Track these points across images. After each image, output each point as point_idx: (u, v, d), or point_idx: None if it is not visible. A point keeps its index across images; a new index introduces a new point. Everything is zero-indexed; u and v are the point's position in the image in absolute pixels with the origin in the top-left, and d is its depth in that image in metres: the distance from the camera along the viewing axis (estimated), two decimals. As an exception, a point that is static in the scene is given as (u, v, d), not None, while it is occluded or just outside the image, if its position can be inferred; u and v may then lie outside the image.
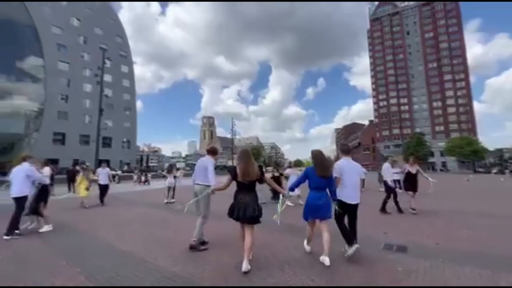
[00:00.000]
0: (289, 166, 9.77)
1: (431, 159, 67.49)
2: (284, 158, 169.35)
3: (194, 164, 4.43)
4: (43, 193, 5.34)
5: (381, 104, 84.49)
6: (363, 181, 13.29)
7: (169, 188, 9.41)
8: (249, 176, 3.26)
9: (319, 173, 3.39)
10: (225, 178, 3.52)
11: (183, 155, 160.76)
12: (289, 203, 7.76)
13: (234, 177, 3.33)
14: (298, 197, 8.20)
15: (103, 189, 8.83)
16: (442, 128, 74.15)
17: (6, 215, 4.68)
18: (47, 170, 5.81)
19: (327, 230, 3.34)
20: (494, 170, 45.68)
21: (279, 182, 9.01)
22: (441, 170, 65.70)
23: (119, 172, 27.76)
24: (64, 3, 44.50)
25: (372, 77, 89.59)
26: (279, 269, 3.10)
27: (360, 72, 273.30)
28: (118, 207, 8.32)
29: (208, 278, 2.86)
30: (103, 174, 8.90)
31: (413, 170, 6.92)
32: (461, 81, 73.05)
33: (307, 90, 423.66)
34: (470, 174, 39.78)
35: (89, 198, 8.30)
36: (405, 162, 7.67)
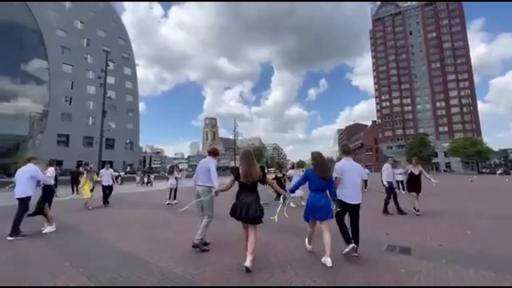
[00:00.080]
0: (292, 167, 9.78)
1: (434, 160, 66.99)
2: (287, 159, 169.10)
3: (197, 165, 4.45)
4: (47, 193, 5.38)
5: (383, 104, 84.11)
6: (365, 182, 13.23)
7: (170, 189, 9.44)
8: (251, 177, 3.30)
9: (319, 175, 3.42)
10: (227, 179, 3.54)
11: (186, 156, 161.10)
12: (292, 204, 7.79)
13: (237, 177, 3.38)
14: (300, 199, 8.19)
15: (107, 190, 8.87)
16: (445, 128, 73.60)
17: (11, 215, 4.72)
18: (50, 171, 5.84)
19: (327, 230, 3.35)
20: (499, 171, 45.14)
21: (281, 183, 9.04)
22: (445, 170, 65.16)
23: (122, 173, 27.91)
24: (68, 6, 45.02)
25: (374, 77, 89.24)
26: (281, 270, 3.09)
27: (363, 72, 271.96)
28: (121, 208, 8.37)
29: (209, 279, 2.86)
30: (106, 175, 8.95)
31: (416, 171, 6.86)
32: (465, 81, 72.51)
33: (309, 91, 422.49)
34: (475, 175, 39.38)
35: (92, 200, 8.35)
36: (408, 163, 7.63)
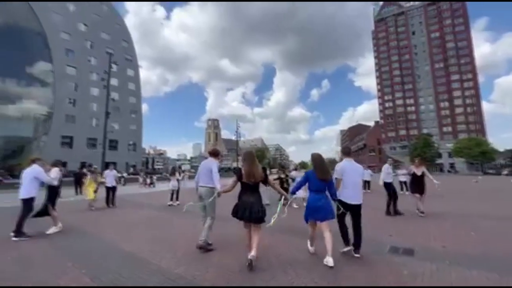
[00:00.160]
0: (295, 169, 9.79)
1: (438, 161, 66.41)
2: (289, 160, 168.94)
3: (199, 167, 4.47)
4: (51, 194, 5.43)
5: (386, 105, 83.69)
6: (368, 183, 13.16)
7: (172, 191, 9.46)
8: (254, 178, 3.34)
9: (319, 176, 3.46)
10: (230, 180, 3.56)
11: (188, 157, 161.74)
12: (295, 205, 7.80)
13: (239, 178, 3.41)
14: (303, 200, 8.17)
15: (111, 191, 8.93)
16: (449, 129, 72.99)
17: (17, 217, 4.77)
18: (54, 172, 5.80)
19: (328, 230, 3.36)
20: (505, 172, 44.70)
21: (284, 184, 9.04)
22: (449, 171, 64.59)
23: (125, 175, 28.09)
24: (72, 9, 45.56)
25: (377, 77, 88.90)
26: (282, 270, 3.09)
27: (365, 73, 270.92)
28: (124, 209, 8.42)
29: (211, 280, 2.87)
30: (110, 176, 9.01)
31: (418, 171, 6.80)
32: (469, 81, 71.93)
33: (311, 91, 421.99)
34: (479, 175, 38.95)
35: (96, 201, 8.42)
36: (411, 163, 7.58)
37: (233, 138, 56.04)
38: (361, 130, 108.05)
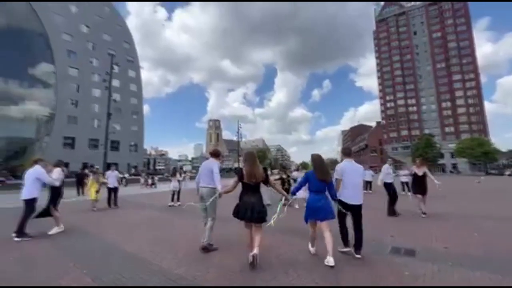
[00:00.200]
0: (297, 169, 9.79)
1: (441, 161, 66.06)
2: (290, 160, 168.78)
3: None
4: (54, 195, 5.45)
5: (388, 105, 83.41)
6: (370, 183, 13.12)
7: (173, 192, 9.46)
8: (255, 178, 3.36)
9: (319, 177, 3.47)
10: (231, 181, 3.56)
11: (190, 158, 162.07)
12: (296, 206, 7.80)
13: (240, 178, 3.43)
14: (304, 200, 8.16)
15: (113, 191, 8.96)
16: (452, 129, 72.63)
17: (18, 217, 4.80)
18: (56, 172, 5.79)
19: (328, 230, 3.36)
20: (508, 172, 44.39)
21: (285, 185, 9.03)
22: (451, 172, 64.26)
23: (126, 175, 28.18)
24: (74, 11, 45.83)
25: (378, 78, 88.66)
26: (283, 271, 3.08)
27: (366, 73, 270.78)
28: (125, 210, 8.44)
29: (212, 280, 2.87)
30: (112, 177, 9.04)
31: (420, 172, 6.77)
32: (471, 81, 71.57)
33: (312, 92, 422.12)
34: (482, 176, 38.72)
35: (98, 201, 8.45)
36: (413, 164, 7.55)
37: (234, 138, 56.19)
38: (363, 130, 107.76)
